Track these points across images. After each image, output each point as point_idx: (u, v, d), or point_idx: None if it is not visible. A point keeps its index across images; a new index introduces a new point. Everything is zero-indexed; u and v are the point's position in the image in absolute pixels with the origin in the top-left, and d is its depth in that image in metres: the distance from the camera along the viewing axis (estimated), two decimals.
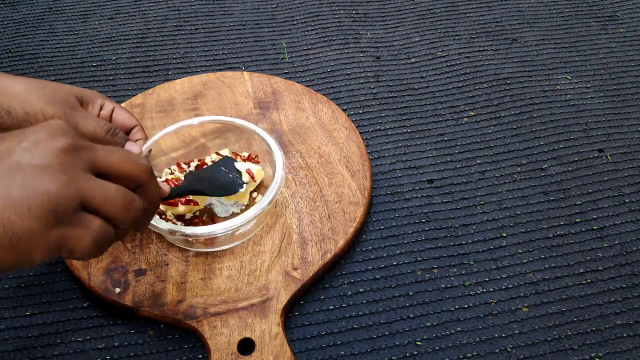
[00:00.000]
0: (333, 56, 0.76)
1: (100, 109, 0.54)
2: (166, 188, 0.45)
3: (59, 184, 0.31)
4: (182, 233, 0.49)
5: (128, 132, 0.55)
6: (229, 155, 0.57)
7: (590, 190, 0.61)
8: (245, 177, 0.54)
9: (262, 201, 0.51)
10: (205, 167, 0.56)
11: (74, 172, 0.33)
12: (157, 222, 0.49)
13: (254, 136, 0.57)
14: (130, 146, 0.53)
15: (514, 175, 0.63)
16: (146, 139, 0.56)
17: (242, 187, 0.53)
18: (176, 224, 0.53)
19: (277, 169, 0.53)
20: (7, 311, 0.52)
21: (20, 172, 0.31)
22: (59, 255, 0.33)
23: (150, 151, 0.56)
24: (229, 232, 0.50)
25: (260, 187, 0.58)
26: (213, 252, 0.53)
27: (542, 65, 0.76)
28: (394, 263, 0.55)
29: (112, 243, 0.36)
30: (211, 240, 0.52)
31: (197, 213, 0.56)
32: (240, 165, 0.54)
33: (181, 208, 0.53)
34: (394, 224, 0.58)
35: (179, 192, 0.49)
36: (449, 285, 0.54)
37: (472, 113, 0.69)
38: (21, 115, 0.48)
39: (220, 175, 0.53)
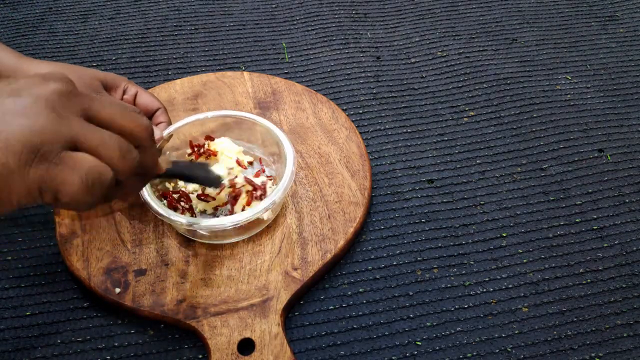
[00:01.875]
0: (333, 56, 0.76)
1: (124, 92, 0.54)
2: (162, 166, 0.42)
3: (44, 121, 0.29)
4: (187, 224, 0.49)
5: (152, 115, 0.55)
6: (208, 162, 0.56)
7: (590, 190, 0.61)
8: (226, 181, 0.53)
9: (273, 195, 0.51)
10: (189, 162, 0.55)
11: (65, 114, 0.30)
12: (164, 210, 0.50)
13: (255, 133, 0.57)
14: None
15: (514, 175, 0.63)
16: (169, 121, 0.56)
17: (219, 185, 0.52)
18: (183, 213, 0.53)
19: (287, 163, 0.53)
20: (7, 311, 0.52)
21: (2, 109, 0.28)
22: (43, 200, 0.30)
23: (170, 136, 0.56)
24: (238, 226, 0.50)
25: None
26: (213, 252, 0.53)
27: (542, 65, 0.76)
28: (394, 263, 0.55)
29: (109, 192, 0.32)
30: (218, 233, 0.52)
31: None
32: (219, 169, 0.53)
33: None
34: (394, 224, 0.58)
35: (172, 174, 0.48)
36: (449, 285, 0.54)
37: (472, 113, 0.69)
38: None
39: (204, 170, 0.52)
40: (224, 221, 0.50)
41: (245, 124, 0.58)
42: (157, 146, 0.54)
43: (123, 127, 0.33)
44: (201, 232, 0.52)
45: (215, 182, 0.50)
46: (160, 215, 0.50)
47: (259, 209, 0.50)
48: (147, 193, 0.51)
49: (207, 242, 0.54)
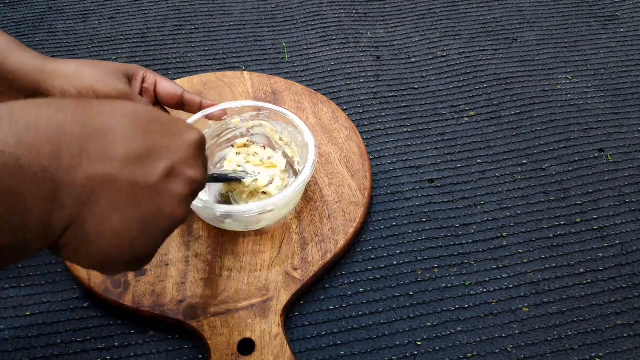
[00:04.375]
0: (333, 56, 0.76)
1: (143, 81, 0.55)
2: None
3: (199, 171, 0.35)
4: (221, 211, 0.50)
5: (178, 100, 0.56)
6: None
7: (590, 190, 0.61)
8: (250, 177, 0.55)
9: (303, 174, 0.51)
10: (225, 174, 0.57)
11: (203, 161, 0.36)
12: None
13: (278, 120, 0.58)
14: None
15: (515, 175, 0.63)
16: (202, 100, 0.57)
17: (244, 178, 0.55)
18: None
19: (309, 146, 0.53)
20: (7, 311, 0.52)
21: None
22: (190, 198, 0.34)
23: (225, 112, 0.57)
24: (267, 211, 0.50)
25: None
26: (213, 252, 0.53)
27: (543, 65, 0.76)
28: (394, 263, 0.55)
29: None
30: (247, 219, 0.52)
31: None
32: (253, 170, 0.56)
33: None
34: (394, 223, 0.58)
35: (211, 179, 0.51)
36: (449, 285, 0.53)
37: (472, 113, 0.69)
38: (74, 94, 0.50)
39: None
40: (252, 207, 0.50)
41: (269, 112, 0.58)
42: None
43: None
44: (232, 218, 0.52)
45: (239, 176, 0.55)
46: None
47: (290, 191, 0.50)
48: None
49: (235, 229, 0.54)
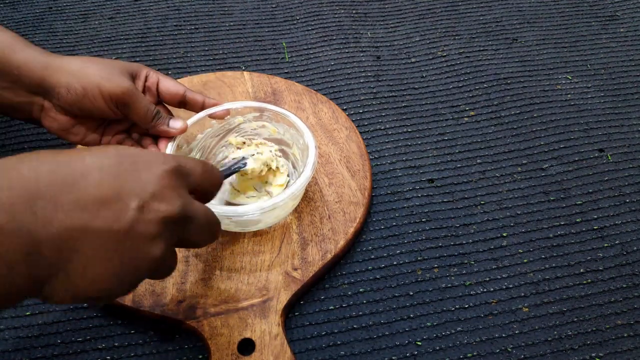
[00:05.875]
0: (333, 56, 0.76)
1: (146, 79, 0.55)
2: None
3: (171, 204, 0.33)
4: (218, 212, 0.49)
5: (180, 100, 0.56)
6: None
7: (590, 190, 0.61)
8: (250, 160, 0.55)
9: (302, 176, 0.51)
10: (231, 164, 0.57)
11: (179, 191, 0.34)
12: None
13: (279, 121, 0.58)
14: (174, 123, 0.54)
15: (515, 175, 0.63)
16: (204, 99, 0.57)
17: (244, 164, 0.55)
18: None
19: (310, 148, 0.53)
20: (7, 311, 0.52)
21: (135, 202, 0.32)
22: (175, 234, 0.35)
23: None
24: (266, 212, 0.50)
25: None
26: (213, 252, 0.53)
27: (543, 65, 0.76)
28: (394, 263, 0.55)
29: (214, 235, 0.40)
30: (246, 220, 0.52)
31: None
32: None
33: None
34: (394, 223, 0.58)
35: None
36: (449, 285, 0.54)
37: (472, 113, 0.69)
38: (79, 90, 0.50)
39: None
40: (251, 208, 0.50)
41: (270, 112, 0.58)
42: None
43: (211, 191, 0.41)
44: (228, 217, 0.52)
45: (242, 163, 0.54)
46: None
47: (290, 192, 0.50)
48: None
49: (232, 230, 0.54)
